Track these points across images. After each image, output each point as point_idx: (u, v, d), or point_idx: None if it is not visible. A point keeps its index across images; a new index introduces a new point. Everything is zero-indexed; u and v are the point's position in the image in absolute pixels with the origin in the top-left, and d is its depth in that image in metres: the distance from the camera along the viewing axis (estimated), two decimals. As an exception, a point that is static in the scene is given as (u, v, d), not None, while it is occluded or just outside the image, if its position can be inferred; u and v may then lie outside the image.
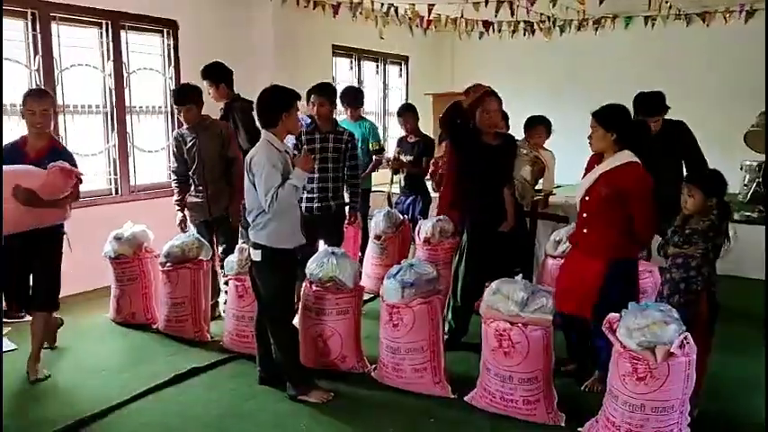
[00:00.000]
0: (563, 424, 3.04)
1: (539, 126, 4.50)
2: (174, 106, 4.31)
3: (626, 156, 3.06)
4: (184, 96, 4.24)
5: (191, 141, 4.25)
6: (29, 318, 4.40)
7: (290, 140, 4.43)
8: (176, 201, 4.43)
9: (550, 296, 3.08)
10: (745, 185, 6.78)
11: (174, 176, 4.46)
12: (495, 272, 3.44)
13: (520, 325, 3.00)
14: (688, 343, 2.65)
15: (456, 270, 3.97)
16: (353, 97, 5.56)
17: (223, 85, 4.63)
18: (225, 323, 4.01)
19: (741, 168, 6.88)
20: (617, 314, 2.81)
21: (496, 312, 3.06)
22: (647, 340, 2.64)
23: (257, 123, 3.50)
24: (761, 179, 6.37)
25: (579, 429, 2.96)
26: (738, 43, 7.46)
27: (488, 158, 3.75)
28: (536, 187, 4.49)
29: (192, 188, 4.39)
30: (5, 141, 3.45)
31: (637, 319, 2.68)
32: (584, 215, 3.21)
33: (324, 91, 4.31)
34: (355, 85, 8.09)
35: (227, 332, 3.96)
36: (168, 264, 4.12)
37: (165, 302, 4.18)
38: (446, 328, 3.77)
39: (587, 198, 3.16)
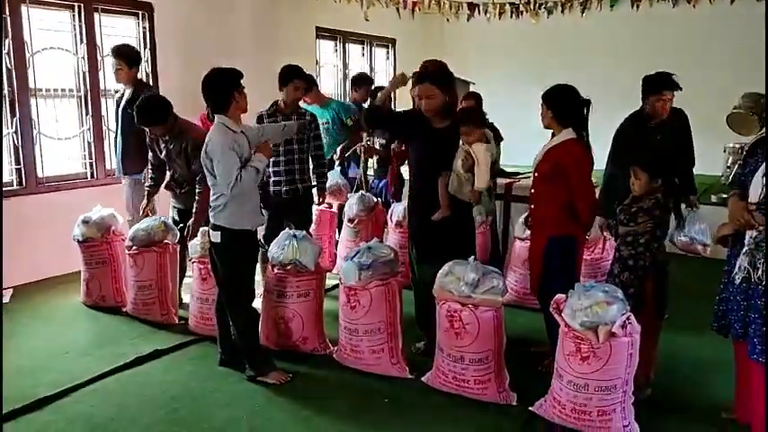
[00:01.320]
0: (514, 403, 3.06)
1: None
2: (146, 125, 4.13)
3: (567, 133, 3.12)
4: (150, 121, 4.06)
5: (163, 145, 4.19)
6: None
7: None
8: (147, 186, 4.43)
9: (500, 278, 3.09)
10: (728, 167, 6.76)
11: (149, 165, 4.41)
12: (436, 259, 3.29)
13: (470, 306, 3.01)
14: (630, 323, 2.66)
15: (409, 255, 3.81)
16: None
17: (135, 69, 4.65)
18: (189, 306, 4.04)
19: (724, 150, 6.86)
20: (563, 295, 2.82)
21: (448, 294, 3.07)
22: (589, 320, 2.65)
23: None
24: (742, 162, 6.31)
25: (530, 408, 2.98)
26: (724, 25, 7.40)
27: (429, 142, 3.53)
28: None
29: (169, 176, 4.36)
30: None
31: (581, 300, 2.70)
32: (532, 191, 3.27)
33: (302, 75, 4.36)
34: (340, 67, 8.06)
35: (191, 315, 3.99)
36: (134, 247, 4.13)
37: (131, 285, 4.21)
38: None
39: (536, 174, 3.22)
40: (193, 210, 4.10)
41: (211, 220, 3.27)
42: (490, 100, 5.24)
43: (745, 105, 6.42)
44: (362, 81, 5.67)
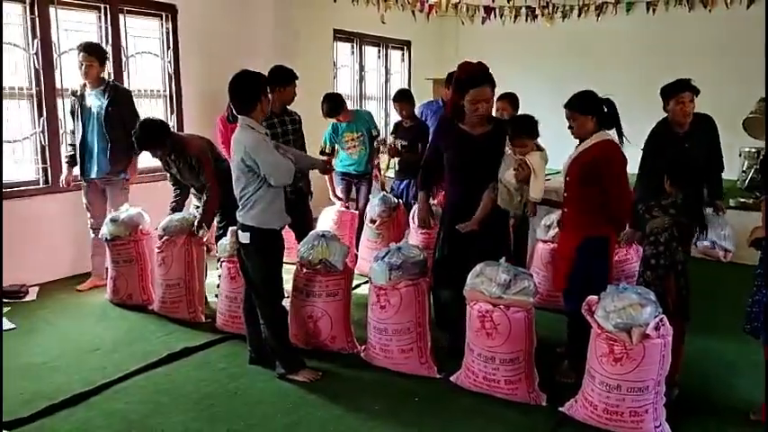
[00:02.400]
0: (544, 403, 3.09)
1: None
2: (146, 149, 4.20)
3: (601, 134, 3.15)
4: (147, 145, 4.13)
5: (172, 164, 4.28)
6: (29, 297, 4.57)
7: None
8: (171, 204, 4.48)
9: (532, 279, 3.13)
10: (744, 172, 6.77)
11: (172, 184, 4.50)
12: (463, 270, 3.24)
13: (502, 307, 3.05)
14: (663, 325, 2.70)
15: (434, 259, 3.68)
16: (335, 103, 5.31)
17: (104, 67, 4.63)
18: (218, 304, 4.09)
19: (740, 155, 6.87)
20: (595, 296, 2.86)
21: (479, 294, 3.11)
22: (623, 322, 2.68)
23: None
24: (758, 167, 6.34)
25: (560, 409, 3.01)
26: (740, 29, 7.41)
27: (469, 150, 3.36)
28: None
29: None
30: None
31: (614, 302, 2.74)
32: (565, 194, 3.30)
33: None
34: (356, 69, 8.12)
35: (219, 313, 4.04)
36: (165, 237, 4.19)
37: (159, 284, 4.26)
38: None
39: (567, 178, 3.24)
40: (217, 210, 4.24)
41: (239, 221, 3.32)
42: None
43: (761, 110, 6.46)
44: (403, 97, 5.51)
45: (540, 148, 3.38)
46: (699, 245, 3.90)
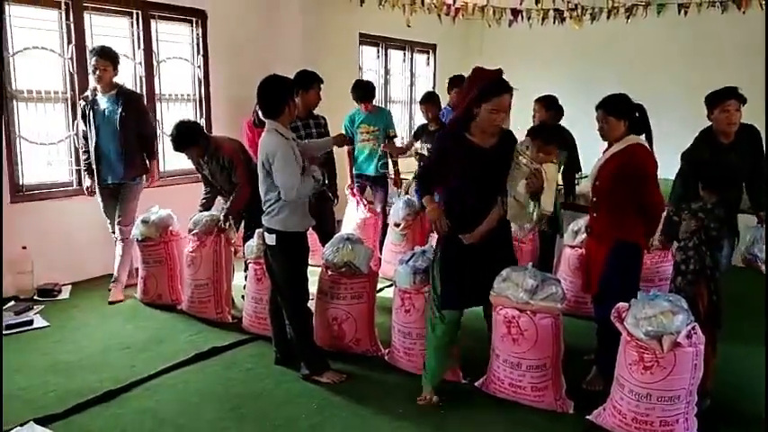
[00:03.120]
0: (571, 411, 3.06)
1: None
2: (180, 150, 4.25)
3: (632, 138, 3.11)
4: (183, 146, 4.19)
5: (205, 166, 4.33)
6: (61, 296, 4.67)
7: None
8: (200, 205, 4.52)
9: (560, 285, 3.10)
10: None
11: (205, 186, 4.53)
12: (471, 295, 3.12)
13: (529, 312, 3.03)
14: (696, 333, 2.66)
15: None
16: (365, 90, 5.46)
17: (117, 72, 4.57)
18: (244, 305, 4.13)
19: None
20: (625, 303, 2.83)
21: (506, 299, 3.09)
22: (654, 330, 2.65)
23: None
24: None
25: (587, 417, 2.98)
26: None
27: (479, 165, 3.03)
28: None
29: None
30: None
31: (645, 309, 2.70)
32: (594, 200, 3.25)
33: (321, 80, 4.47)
34: (382, 73, 8.15)
35: (246, 314, 4.08)
36: (195, 231, 4.26)
37: (188, 284, 4.33)
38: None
39: (597, 183, 3.20)
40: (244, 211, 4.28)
41: (265, 224, 3.35)
42: (531, 106, 5.20)
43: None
44: (430, 99, 5.47)
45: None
46: (741, 256, 3.84)
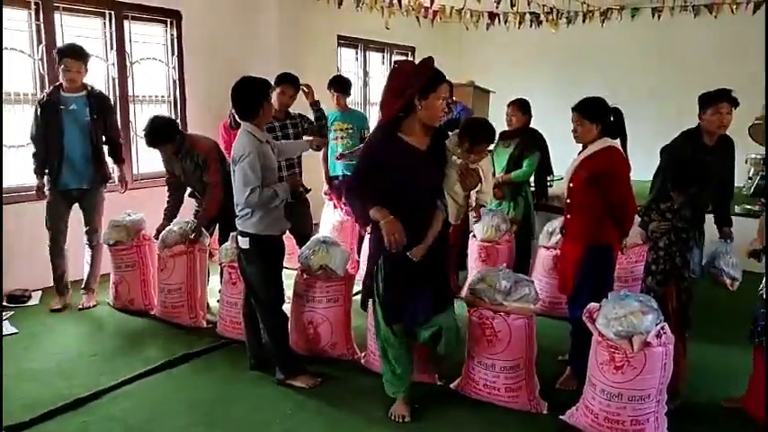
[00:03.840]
0: (545, 411, 3.07)
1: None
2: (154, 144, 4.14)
3: (606, 141, 3.14)
4: (158, 141, 4.11)
5: (174, 162, 4.24)
6: (31, 302, 4.58)
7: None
8: (165, 210, 4.39)
9: (533, 286, 3.11)
10: (750, 178, 6.74)
11: (168, 187, 4.43)
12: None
13: (502, 314, 3.03)
14: (665, 333, 2.68)
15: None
16: (344, 85, 5.49)
17: (86, 73, 4.37)
18: (219, 309, 4.08)
19: (746, 161, 6.84)
20: (596, 304, 2.84)
21: (480, 300, 3.09)
22: (624, 330, 2.66)
23: None
24: (764, 172, 6.31)
25: (561, 417, 2.99)
26: (746, 34, 7.39)
27: (418, 169, 2.83)
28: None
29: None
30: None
31: (615, 309, 2.71)
32: (568, 201, 3.28)
33: (291, 80, 4.44)
34: (361, 75, 8.14)
35: (220, 318, 4.04)
36: (165, 249, 4.19)
37: (161, 289, 4.27)
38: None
39: (571, 185, 3.23)
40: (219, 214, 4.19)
41: (238, 227, 3.31)
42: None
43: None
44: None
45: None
46: (709, 271, 3.85)
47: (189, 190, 4.45)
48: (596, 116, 3.12)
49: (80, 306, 4.50)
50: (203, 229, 4.26)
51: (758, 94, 6.49)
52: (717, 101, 3.69)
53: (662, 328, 2.68)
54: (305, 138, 4.41)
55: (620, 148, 3.17)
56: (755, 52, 7.34)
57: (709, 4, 7.50)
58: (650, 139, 7.53)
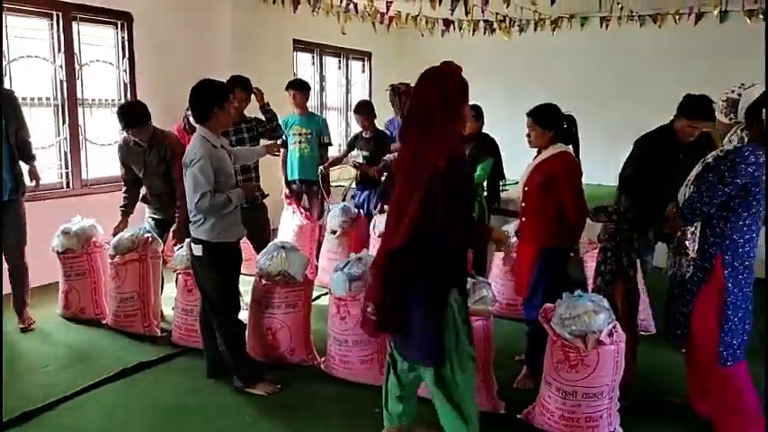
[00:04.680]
0: (503, 411, 3.12)
1: None
2: (128, 128, 4.03)
3: (559, 147, 3.24)
4: (137, 120, 4.02)
5: (136, 153, 4.14)
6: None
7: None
8: (121, 207, 4.29)
9: (491, 288, 3.17)
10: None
11: (123, 182, 4.32)
12: None
13: (460, 316, 3.07)
14: (617, 332, 2.77)
15: None
16: (302, 84, 5.52)
17: None
18: (174, 317, 4.01)
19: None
20: (552, 304, 2.91)
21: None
22: (578, 329, 2.74)
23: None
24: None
25: (518, 416, 3.05)
26: (689, 43, 7.70)
27: None
28: None
29: (146, 190, 4.32)
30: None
31: (569, 309, 2.79)
32: (523, 204, 3.36)
33: (242, 83, 4.43)
34: (317, 80, 8.13)
35: (175, 326, 3.96)
36: (117, 256, 4.09)
37: (113, 297, 4.16)
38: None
39: (526, 188, 3.31)
40: (175, 218, 4.14)
41: (192, 234, 3.26)
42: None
43: (719, 106, 6.69)
44: (363, 108, 5.41)
45: None
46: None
47: (142, 194, 4.35)
48: (549, 122, 3.22)
49: (20, 327, 4.18)
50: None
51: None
52: (697, 118, 3.51)
53: (614, 327, 2.76)
54: (262, 142, 4.37)
55: (572, 153, 3.27)
56: (698, 61, 7.68)
57: (654, 14, 7.80)
58: (599, 143, 7.78)
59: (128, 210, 4.31)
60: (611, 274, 3.14)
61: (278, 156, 4.30)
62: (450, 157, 2.31)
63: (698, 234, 2.83)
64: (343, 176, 6.48)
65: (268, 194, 4.59)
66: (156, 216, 4.34)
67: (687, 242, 2.90)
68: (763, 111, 2.75)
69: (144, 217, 4.42)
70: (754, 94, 2.85)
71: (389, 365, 2.75)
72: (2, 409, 2.62)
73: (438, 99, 2.42)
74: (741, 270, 2.77)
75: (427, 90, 2.48)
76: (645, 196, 3.25)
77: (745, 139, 2.83)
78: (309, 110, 5.69)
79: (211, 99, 3.20)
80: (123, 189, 4.34)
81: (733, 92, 3.04)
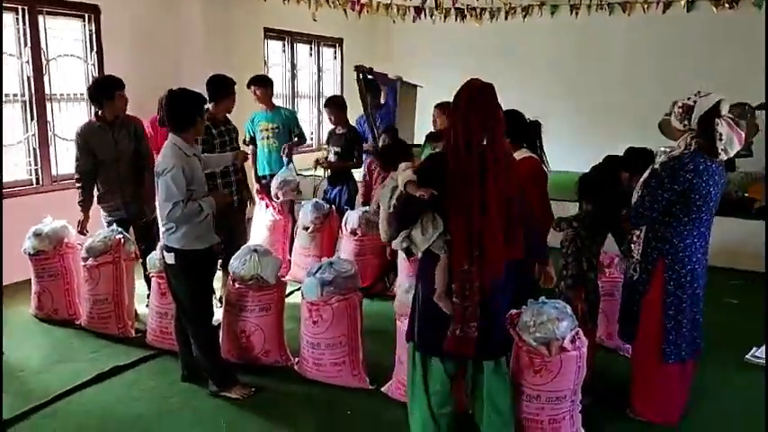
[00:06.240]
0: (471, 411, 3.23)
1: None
2: (100, 100, 4.04)
3: (522, 152, 3.32)
4: (112, 87, 4.06)
5: (103, 136, 4.10)
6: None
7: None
8: (80, 202, 4.21)
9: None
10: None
11: (78, 175, 4.20)
12: None
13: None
14: (579, 338, 2.88)
15: None
16: (264, 80, 5.45)
17: None
18: (148, 320, 4.04)
19: (657, 154, 7.26)
20: (518, 310, 3.01)
21: (409, 309, 3.21)
22: (542, 336, 2.84)
23: None
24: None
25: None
26: (657, 33, 7.84)
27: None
28: None
29: (102, 187, 4.24)
30: None
31: (534, 316, 2.88)
32: None
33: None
34: (288, 68, 8.08)
35: (150, 329, 3.99)
36: (90, 259, 4.09)
37: (87, 299, 4.17)
38: None
39: None
40: (138, 207, 4.21)
41: (164, 242, 3.29)
42: (434, 101, 5.35)
43: (674, 113, 6.84)
44: (332, 103, 5.44)
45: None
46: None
47: (96, 196, 4.27)
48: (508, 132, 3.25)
49: None
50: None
51: (668, 89, 6.93)
52: (637, 173, 3.32)
53: (576, 333, 2.88)
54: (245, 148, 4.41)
55: (536, 158, 3.35)
56: (666, 49, 7.83)
57: (623, 2, 7.90)
58: (567, 133, 7.89)
59: (87, 204, 4.23)
60: (572, 279, 3.25)
61: (245, 161, 4.28)
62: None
63: (642, 238, 2.99)
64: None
65: (250, 197, 4.63)
66: (114, 216, 4.28)
67: (633, 245, 3.07)
68: (716, 120, 2.87)
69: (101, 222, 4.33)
70: (708, 103, 2.93)
71: (435, 382, 2.75)
72: (1, 405, 2.62)
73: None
74: (683, 273, 2.96)
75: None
76: (602, 198, 3.34)
77: (692, 147, 2.92)
78: (276, 104, 5.64)
79: (193, 109, 3.21)
80: (78, 184, 4.21)
81: (689, 99, 3.10)
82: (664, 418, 3.15)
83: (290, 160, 5.39)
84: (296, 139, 5.48)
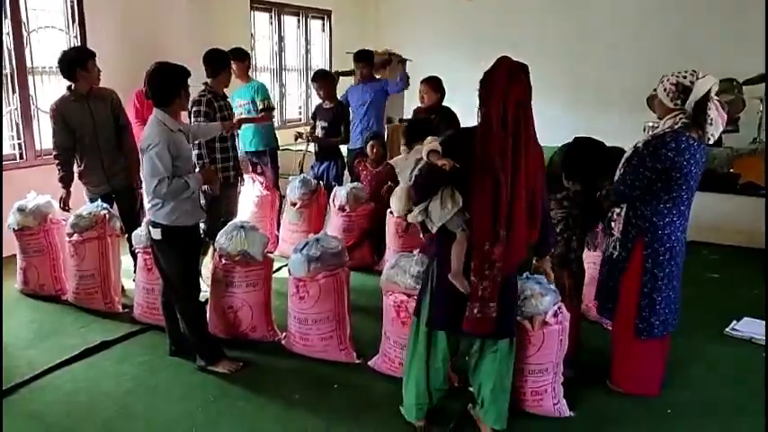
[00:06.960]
0: (456, 384, 3.28)
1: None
2: (73, 71, 3.96)
3: None
4: (86, 56, 4.02)
5: (79, 109, 4.04)
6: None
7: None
8: (61, 178, 4.16)
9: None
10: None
11: (57, 151, 4.15)
12: None
13: (415, 297, 3.19)
14: (561, 312, 2.93)
15: None
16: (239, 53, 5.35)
17: None
18: (135, 295, 4.04)
19: (644, 129, 7.30)
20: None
21: (395, 285, 3.24)
22: (527, 311, 2.88)
23: None
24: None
25: (471, 388, 3.20)
26: (654, 7, 7.81)
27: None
28: None
29: (82, 162, 4.18)
30: None
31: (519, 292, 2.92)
32: None
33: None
34: (276, 41, 7.98)
35: (137, 304, 4.00)
36: (75, 234, 4.07)
37: (73, 275, 4.16)
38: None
39: None
40: (122, 180, 4.20)
41: (150, 217, 3.28)
42: (423, 76, 5.30)
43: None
44: (321, 77, 5.43)
45: None
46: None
47: (76, 172, 4.22)
48: None
49: None
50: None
51: (659, 66, 6.92)
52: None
53: (558, 308, 2.92)
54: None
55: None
56: (660, 27, 7.80)
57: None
58: (557, 101, 7.88)
59: (68, 180, 4.18)
60: (559, 258, 3.27)
61: (229, 133, 4.25)
62: None
63: (623, 216, 3.02)
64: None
65: (242, 172, 4.64)
66: (98, 192, 4.24)
67: (613, 223, 3.10)
68: (708, 103, 2.86)
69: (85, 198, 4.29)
70: (705, 87, 2.87)
71: (437, 358, 2.81)
72: (1, 402, 2.63)
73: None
74: (662, 251, 2.99)
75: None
76: (586, 175, 3.34)
77: (676, 126, 2.90)
78: (252, 78, 5.57)
79: (177, 82, 3.18)
80: (57, 161, 4.16)
81: (685, 77, 2.96)
82: (642, 390, 3.21)
83: (301, 170, 5.50)
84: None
